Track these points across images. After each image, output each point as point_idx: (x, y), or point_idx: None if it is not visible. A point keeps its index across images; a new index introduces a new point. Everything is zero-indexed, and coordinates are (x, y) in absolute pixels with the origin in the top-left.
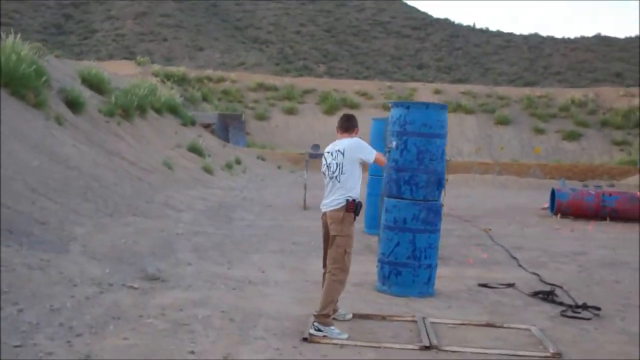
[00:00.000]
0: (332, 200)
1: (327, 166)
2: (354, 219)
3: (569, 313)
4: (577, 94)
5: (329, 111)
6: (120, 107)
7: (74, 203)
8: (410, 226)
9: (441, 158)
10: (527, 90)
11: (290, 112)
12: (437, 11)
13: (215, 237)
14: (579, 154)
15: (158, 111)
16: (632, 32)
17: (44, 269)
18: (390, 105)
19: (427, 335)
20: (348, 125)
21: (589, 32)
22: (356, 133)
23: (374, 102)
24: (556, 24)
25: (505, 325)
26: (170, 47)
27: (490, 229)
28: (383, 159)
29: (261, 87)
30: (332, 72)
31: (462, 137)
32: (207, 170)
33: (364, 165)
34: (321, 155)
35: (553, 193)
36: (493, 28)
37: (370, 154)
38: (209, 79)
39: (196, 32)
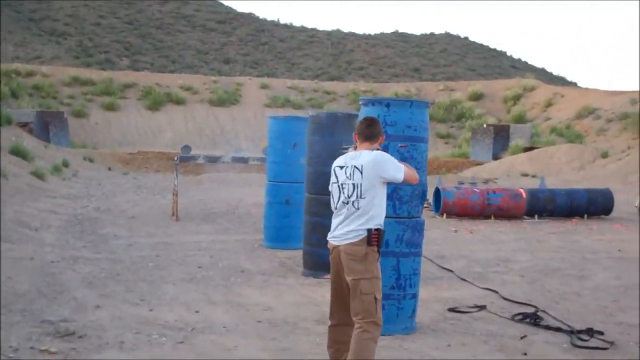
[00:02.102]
0: (347, 232)
1: (340, 187)
2: (379, 252)
3: (580, 343)
4: (400, 88)
5: (153, 107)
6: None
7: None
8: (393, 249)
9: (425, 166)
10: (352, 85)
11: (110, 108)
12: (241, 5)
13: (103, 264)
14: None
15: None
16: (427, 30)
17: None
18: (361, 103)
19: None
20: (371, 133)
21: (388, 29)
22: (380, 143)
23: (199, 97)
24: (357, 21)
25: None
26: None
27: None
28: (416, 175)
29: (76, 81)
30: (136, 66)
31: None
32: (38, 176)
33: None
34: (192, 158)
35: (437, 192)
36: (297, 23)
37: (398, 172)
38: (17, 72)
39: None
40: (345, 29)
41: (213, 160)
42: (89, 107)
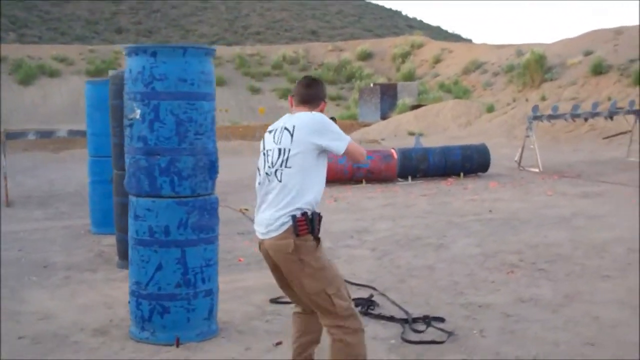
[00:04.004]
0: (269, 217)
1: (265, 154)
2: (317, 239)
3: (412, 337)
4: (288, 50)
5: (25, 81)
6: None
7: None
8: (176, 237)
9: (212, 130)
10: (237, 49)
11: None
12: None
13: None
14: None
15: None
16: None
17: None
18: (125, 52)
19: None
20: (309, 95)
21: None
22: (322, 109)
23: (76, 68)
24: None
25: None
26: None
27: (247, 209)
28: (364, 152)
29: None
30: (24, 40)
31: None
32: None
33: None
34: (22, 134)
35: None
36: None
37: (338, 141)
38: None
39: None
40: None
41: (46, 135)
42: None
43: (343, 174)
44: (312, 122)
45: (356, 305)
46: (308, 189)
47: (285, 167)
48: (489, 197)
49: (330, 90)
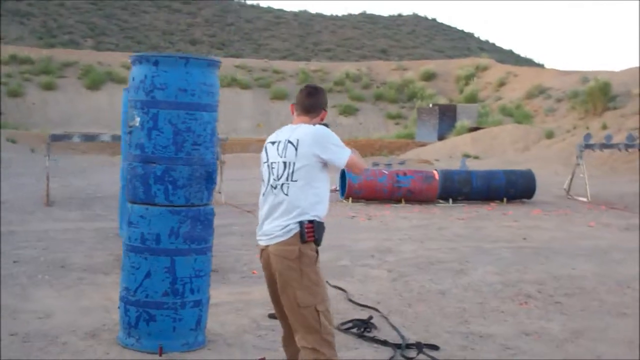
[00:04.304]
0: (275, 227)
1: (269, 166)
2: (317, 251)
3: None
4: (351, 67)
5: (92, 86)
6: None
7: None
8: (166, 246)
9: (211, 141)
10: (301, 65)
11: (49, 87)
12: None
13: None
14: (356, 129)
15: None
16: (394, 11)
17: None
18: (131, 61)
19: None
20: (310, 104)
21: (355, 10)
22: (322, 118)
23: None
24: (324, 1)
25: None
26: None
27: None
28: (362, 163)
29: (14, 60)
30: (101, 47)
31: (238, 113)
32: None
33: None
34: (67, 137)
35: (343, 174)
36: (264, 4)
37: (340, 153)
38: None
39: None
40: (313, 10)
41: (90, 138)
42: (26, 86)
43: (382, 193)
44: (315, 136)
45: (353, 327)
46: (314, 203)
47: (291, 180)
48: (528, 225)
49: (391, 108)
